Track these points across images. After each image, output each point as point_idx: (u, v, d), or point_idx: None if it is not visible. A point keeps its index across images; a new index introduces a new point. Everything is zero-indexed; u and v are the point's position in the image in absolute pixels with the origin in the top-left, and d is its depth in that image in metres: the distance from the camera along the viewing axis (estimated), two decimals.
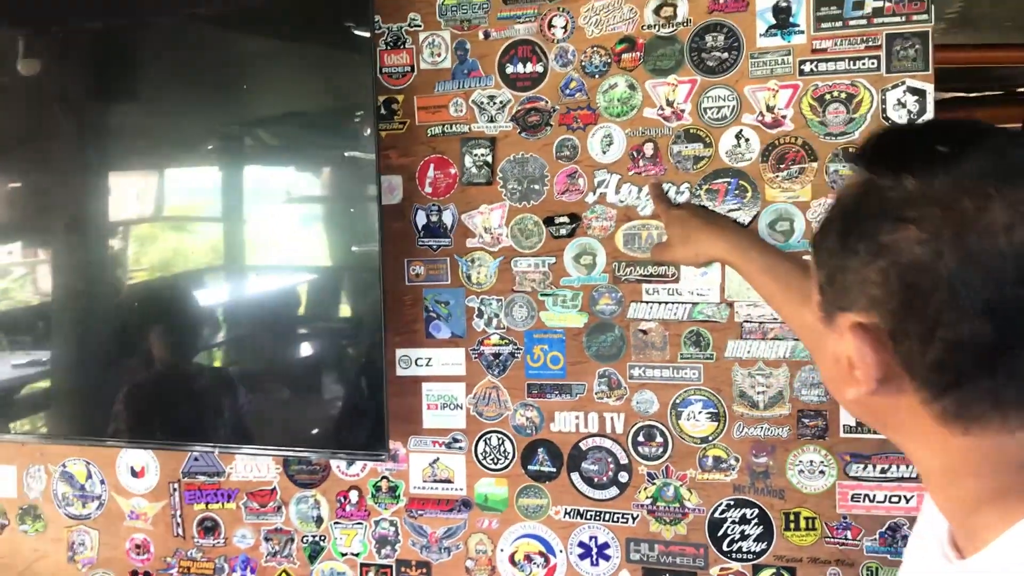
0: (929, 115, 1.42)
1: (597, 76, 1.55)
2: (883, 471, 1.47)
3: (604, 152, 1.55)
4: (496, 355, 1.63)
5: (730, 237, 1.32)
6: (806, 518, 1.51)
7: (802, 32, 1.45)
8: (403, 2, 1.63)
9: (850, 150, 1.44)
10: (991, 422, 0.66)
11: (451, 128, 1.63)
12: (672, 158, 1.52)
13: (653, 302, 1.55)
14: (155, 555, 1.85)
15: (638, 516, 1.59)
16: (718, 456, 1.54)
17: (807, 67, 1.45)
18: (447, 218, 1.64)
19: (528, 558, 1.65)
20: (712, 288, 1.52)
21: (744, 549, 1.54)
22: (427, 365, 1.67)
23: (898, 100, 1.42)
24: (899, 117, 1.42)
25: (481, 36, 1.60)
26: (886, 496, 1.47)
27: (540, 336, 1.61)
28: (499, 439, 1.64)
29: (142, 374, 1.75)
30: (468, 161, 1.62)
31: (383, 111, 1.63)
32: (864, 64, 1.43)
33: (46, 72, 1.78)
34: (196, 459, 1.80)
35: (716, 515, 1.55)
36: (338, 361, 1.65)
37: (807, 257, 1.45)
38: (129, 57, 1.74)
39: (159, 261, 1.74)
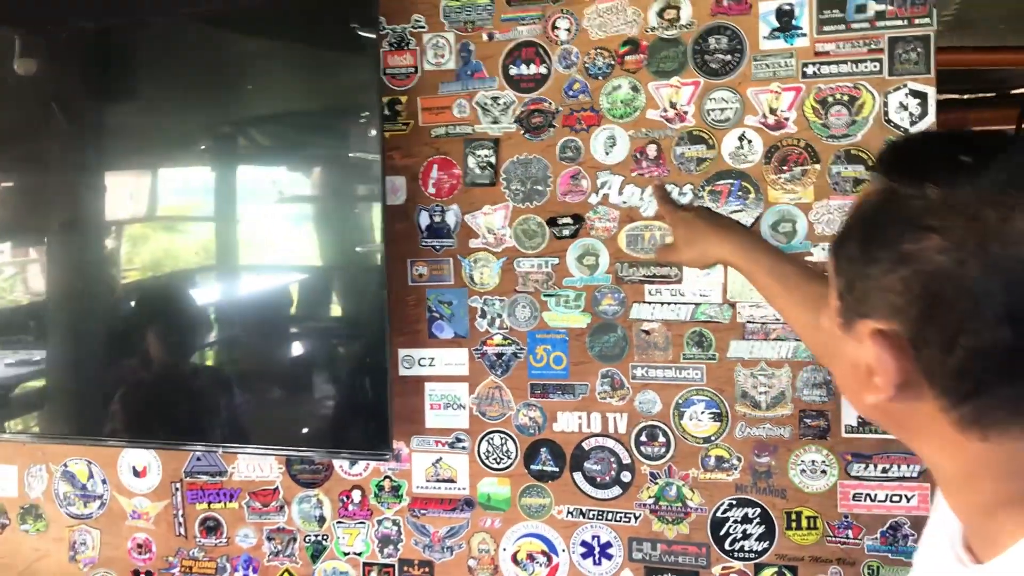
0: (931, 117, 1.43)
1: (600, 78, 1.56)
2: (884, 471, 1.48)
3: (607, 153, 1.56)
4: (499, 355, 1.64)
5: (736, 240, 1.32)
6: (808, 517, 1.52)
7: (805, 35, 1.46)
8: (407, 4, 1.63)
9: (853, 153, 1.45)
10: (1010, 429, 0.67)
11: (455, 129, 1.63)
12: (675, 160, 1.53)
13: (656, 303, 1.56)
14: (157, 555, 1.85)
15: (640, 515, 1.59)
16: (720, 456, 1.55)
17: (810, 70, 1.46)
18: (450, 219, 1.64)
19: (531, 557, 1.66)
20: (715, 289, 1.53)
21: (746, 548, 1.55)
22: (430, 365, 1.67)
23: (900, 103, 1.43)
24: (901, 120, 1.43)
25: (485, 38, 1.61)
26: (887, 495, 1.48)
27: (543, 336, 1.62)
28: (502, 439, 1.65)
29: (146, 374, 1.75)
30: (471, 162, 1.63)
31: (387, 112, 1.63)
32: (866, 67, 1.44)
33: (51, 72, 1.78)
34: (198, 459, 1.80)
35: (718, 514, 1.56)
36: (342, 361, 1.65)
37: (809, 258, 1.47)
38: (132, 57, 1.74)
39: (167, 261, 1.74)
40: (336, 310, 1.68)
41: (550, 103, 1.58)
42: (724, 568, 1.56)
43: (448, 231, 1.65)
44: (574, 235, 1.59)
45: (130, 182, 1.79)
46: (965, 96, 4.54)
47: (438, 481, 1.69)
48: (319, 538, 1.76)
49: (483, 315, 1.64)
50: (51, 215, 1.80)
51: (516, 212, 1.61)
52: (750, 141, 1.50)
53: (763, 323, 1.51)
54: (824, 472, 1.50)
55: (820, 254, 1.47)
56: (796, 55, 1.47)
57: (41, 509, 1.92)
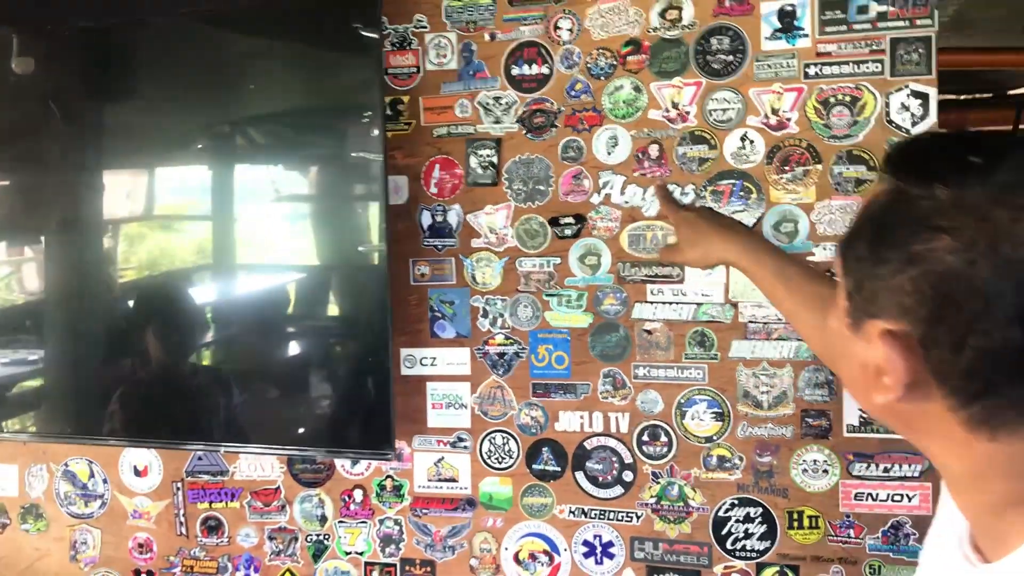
0: (932, 118, 1.43)
1: (603, 78, 1.56)
2: (886, 470, 1.48)
3: (609, 153, 1.57)
4: (501, 355, 1.64)
5: (741, 241, 1.32)
6: (809, 517, 1.52)
7: (807, 36, 1.47)
8: (409, 4, 1.63)
9: (855, 154, 1.45)
10: (1019, 429, 0.67)
11: (457, 129, 1.63)
12: (677, 160, 1.53)
13: (658, 302, 1.56)
14: (158, 554, 1.85)
15: (642, 515, 1.60)
16: (722, 455, 1.55)
17: (812, 70, 1.47)
18: (452, 218, 1.65)
19: (532, 557, 1.66)
20: (717, 289, 1.53)
21: (748, 548, 1.55)
22: (432, 364, 1.67)
23: (902, 103, 1.44)
24: (902, 120, 1.44)
25: (487, 38, 1.61)
26: (889, 495, 1.48)
27: (545, 336, 1.62)
28: (504, 438, 1.65)
29: (148, 373, 1.75)
30: (473, 162, 1.63)
31: (388, 112, 1.63)
32: (868, 68, 1.45)
33: (49, 71, 1.78)
34: (200, 458, 1.80)
35: (720, 514, 1.56)
36: (344, 360, 1.65)
37: (811, 259, 1.47)
38: (133, 57, 1.74)
39: (168, 260, 1.75)
40: (338, 310, 1.68)
41: (552, 103, 1.59)
42: (726, 567, 1.56)
43: (450, 231, 1.65)
44: (576, 235, 1.59)
45: (131, 181, 1.79)
46: (962, 97, 4.56)
47: (440, 481, 1.69)
48: (321, 538, 1.76)
49: (485, 315, 1.64)
50: (52, 214, 1.80)
51: (518, 212, 1.61)
52: (752, 141, 1.50)
53: (765, 323, 1.51)
54: (826, 472, 1.51)
55: (822, 254, 1.47)
56: (798, 56, 1.47)
57: (42, 508, 1.91)
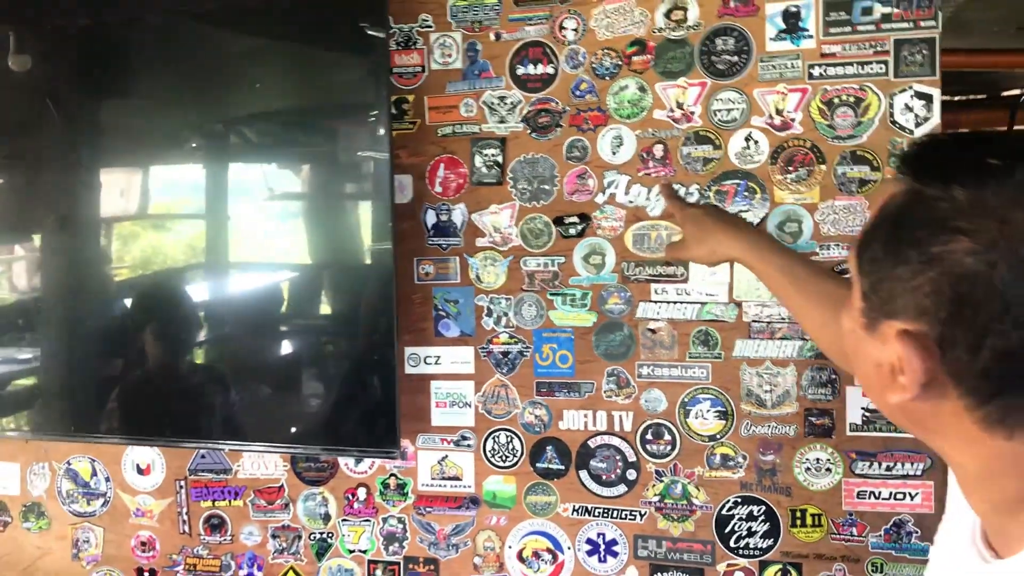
0: (935, 119, 1.44)
1: (607, 78, 1.57)
2: (888, 468, 1.49)
3: (614, 153, 1.57)
4: (505, 353, 1.65)
5: (747, 238, 1.33)
6: (812, 515, 1.53)
7: (811, 37, 1.48)
8: (414, 3, 1.64)
9: (859, 154, 1.46)
10: None
11: (461, 128, 1.64)
12: (682, 159, 1.54)
13: (662, 301, 1.57)
14: (161, 552, 1.85)
15: (646, 513, 1.60)
16: (726, 454, 1.56)
17: (816, 71, 1.48)
18: (457, 217, 1.65)
19: (536, 555, 1.66)
20: (721, 288, 1.54)
21: (751, 546, 1.56)
22: (436, 363, 1.68)
23: (905, 104, 1.45)
24: (906, 121, 1.45)
25: (492, 37, 1.61)
26: (891, 493, 1.50)
27: (549, 335, 1.63)
28: (508, 437, 1.66)
29: (152, 371, 1.75)
30: (478, 161, 1.63)
31: (393, 111, 1.63)
32: (872, 68, 1.46)
33: (50, 68, 1.77)
34: (203, 456, 1.80)
35: (723, 512, 1.57)
36: (350, 359, 1.65)
37: (814, 258, 1.48)
38: (135, 55, 1.74)
39: (170, 259, 1.75)
40: (344, 308, 1.68)
41: (557, 103, 1.59)
42: (729, 565, 1.57)
43: (455, 230, 1.65)
44: (580, 234, 1.60)
45: (133, 180, 1.79)
46: (956, 98, 4.58)
47: (444, 479, 1.70)
48: (324, 536, 1.76)
49: (489, 313, 1.65)
50: (61, 210, 1.80)
51: (523, 211, 1.62)
52: (756, 141, 1.51)
53: (768, 322, 1.52)
54: (829, 470, 1.52)
55: (825, 254, 1.48)
56: (802, 56, 1.48)
57: (43, 507, 1.91)
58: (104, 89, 1.77)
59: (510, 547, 1.68)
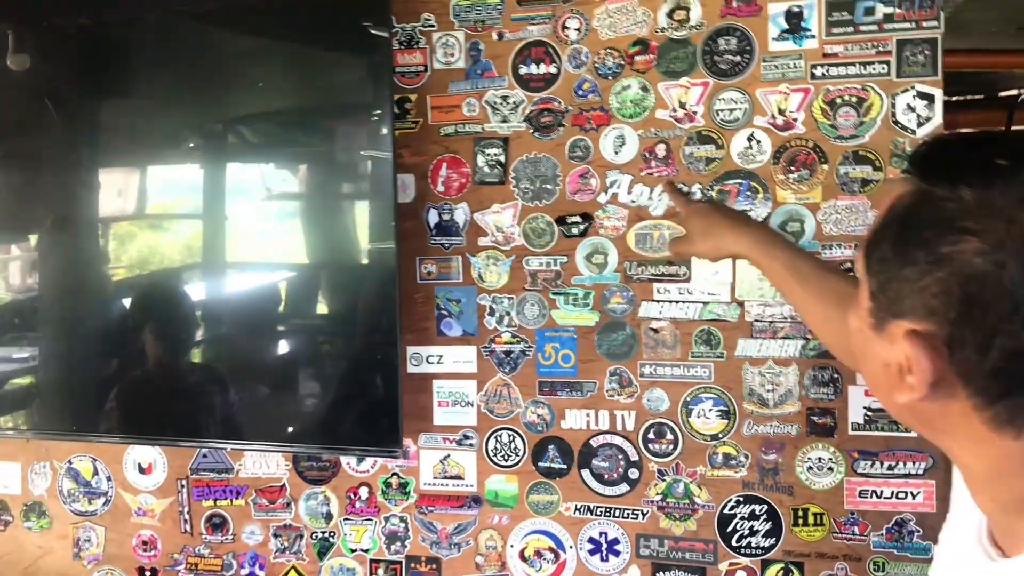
0: (938, 119, 1.44)
1: (610, 78, 1.57)
2: (890, 468, 1.50)
3: (616, 153, 1.57)
4: (507, 353, 1.65)
5: (752, 234, 1.34)
6: (814, 514, 1.53)
7: (814, 37, 1.48)
8: (417, 2, 1.64)
9: (861, 154, 1.47)
10: None
11: (464, 128, 1.64)
12: (684, 159, 1.54)
13: (664, 301, 1.57)
14: (162, 551, 1.85)
15: (648, 512, 1.61)
16: (728, 453, 1.56)
17: (818, 71, 1.48)
18: (459, 217, 1.65)
19: (538, 554, 1.67)
20: (723, 288, 1.54)
21: (753, 545, 1.56)
22: (438, 362, 1.68)
23: (907, 104, 1.45)
24: (908, 121, 1.45)
25: (495, 37, 1.61)
26: (893, 492, 1.50)
27: (551, 334, 1.63)
28: (510, 436, 1.66)
29: (154, 370, 1.75)
30: (481, 160, 1.63)
31: (396, 110, 1.63)
32: (874, 69, 1.46)
33: (48, 67, 1.77)
34: (204, 456, 1.80)
35: (725, 511, 1.57)
36: (352, 358, 1.65)
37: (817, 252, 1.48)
38: (137, 55, 1.74)
39: (173, 258, 1.75)
40: (347, 307, 1.68)
41: (560, 102, 1.59)
42: (731, 564, 1.57)
43: (457, 229, 1.65)
44: (583, 234, 1.60)
45: (134, 179, 1.79)
46: (954, 98, 4.59)
47: (446, 478, 1.70)
48: (326, 535, 1.76)
49: (492, 313, 1.65)
50: (61, 209, 1.79)
51: (525, 211, 1.62)
52: (759, 141, 1.51)
53: (771, 322, 1.53)
54: (831, 469, 1.52)
55: (827, 254, 1.48)
56: (805, 56, 1.48)
57: (44, 506, 1.91)
58: (104, 89, 1.77)
59: (512, 546, 1.68)
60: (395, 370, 1.53)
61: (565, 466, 1.64)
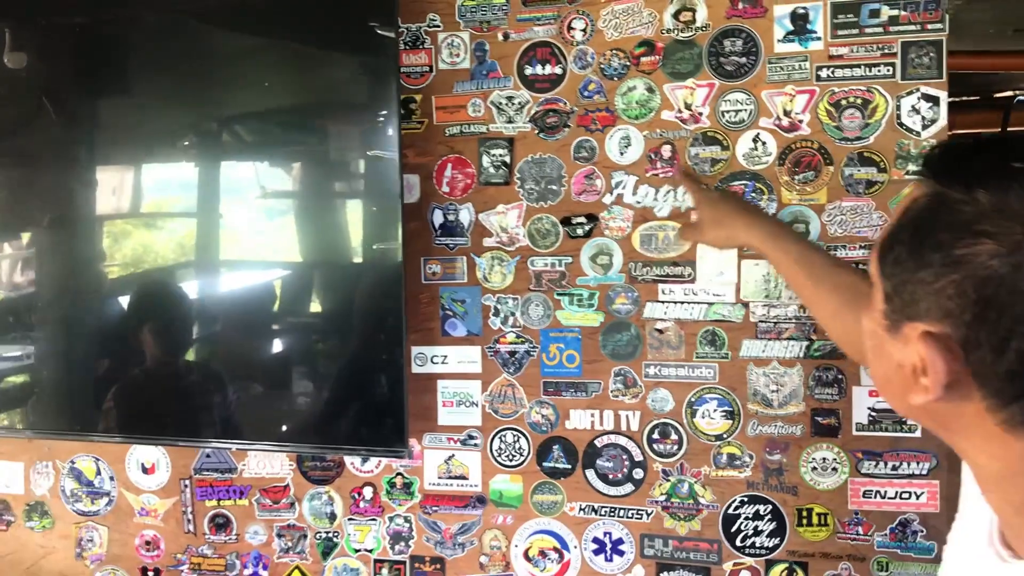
0: (942, 121, 1.45)
1: (616, 79, 1.57)
2: (894, 468, 1.50)
3: (622, 154, 1.58)
4: (512, 353, 1.65)
5: (765, 225, 1.34)
6: (818, 514, 1.54)
7: (819, 39, 1.48)
8: (422, 3, 1.64)
9: (866, 155, 1.47)
10: None
11: (469, 128, 1.64)
12: (690, 160, 1.55)
13: (669, 302, 1.58)
14: (165, 551, 1.85)
15: (652, 512, 1.61)
16: (732, 453, 1.57)
17: (824, 73, 1.49)
18: (464, 217, 1.65)
19: (543, 554, 1.67)
20: (728, 288, 1.55)
21: (757, 544, 1.57)
22: (443, 363, 1.68)
23: (912, 106, 1.46)
24: (913, 123, 1.46)
25: (500, 37, 1.62)
26: (897, 492, 1.51)
27: (556, 335, 1.63)
28: (514, 436, 1.66)
29: (158, 370, 1.75)
30: (486, 161, 1.64)
31: (401, 111, 1.63)
32: (879, 71, 1.47)
33: (46, 65, 1.77)
34: (208, 456, 1.80)
35: (730, 511, 1.58)
36: (358, 358, 1.65)
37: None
38: (141, 54, 1.73)
39: (179, 257, 1.74)
40: (353, 307, 1.68)
41: (565, 103, 1.59)
42: (735, 564, 1.58)
43: (462, 230, 1.65)
44: (588, 234, 1.60)
45: (140, 178, 1.79)
46: (949, 100, 4.60)
47: (450, 478, 1.70)
48: (330, 535, 1.76)
49: (496, 313, 1.65)
50: (72, 206, 1.79)
51: (530, 211, 1.62)
52: (764, 143, 1.52)
53: (775, 322, 1.53)
54: (835, 469, 1.53)
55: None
56: (810, 58, 1.49)
57: (47, 506, 1.91)
58: (104, 87, 1.77)
59: (516, 546, 1.68)
60: (400, 370, 1.53)
61: (569, 466, 1.64)
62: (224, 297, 1.74)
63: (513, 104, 1.62)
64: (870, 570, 1.52)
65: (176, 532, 1.84)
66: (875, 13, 1.46)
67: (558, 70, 1.60)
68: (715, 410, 1.57)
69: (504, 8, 1.61)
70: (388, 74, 1.52)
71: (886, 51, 1.46)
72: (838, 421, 1.52)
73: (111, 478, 1.86)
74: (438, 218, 1.66)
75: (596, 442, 1.63)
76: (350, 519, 1.75)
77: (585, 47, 1.58)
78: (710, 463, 1.58)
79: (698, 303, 1.56)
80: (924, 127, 1.46)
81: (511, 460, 1.67)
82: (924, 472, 1.50)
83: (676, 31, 1.54)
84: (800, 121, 1.50)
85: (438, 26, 1.64)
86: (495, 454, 1.67)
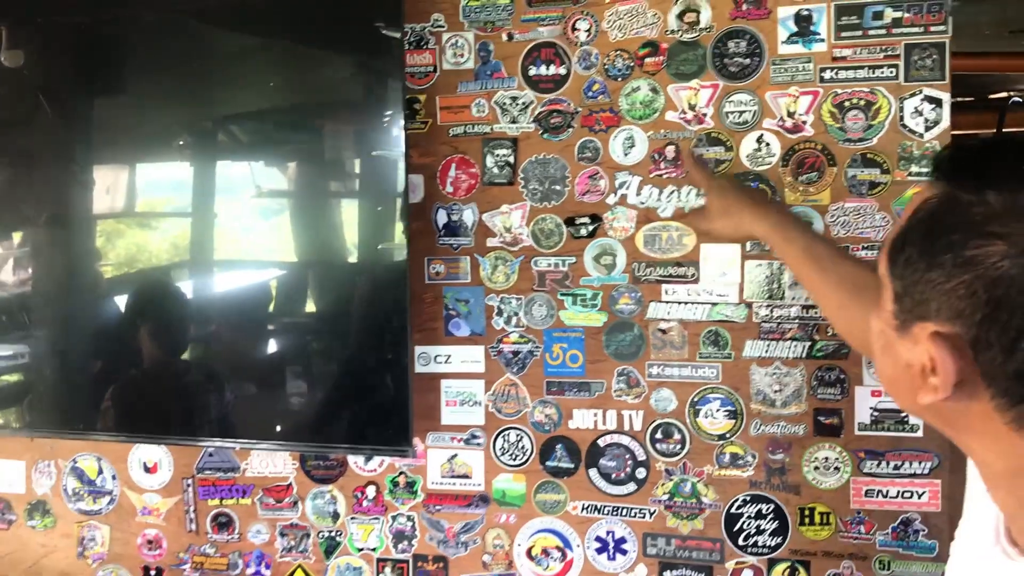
0: (945, 123, 1.46)
1: (620, 79, 1.58)
2: (896, 467, 1.51)
3: (626, 154, 1.58)
4: (515, 353, 1.65)
5: (773, 217, 1.34)
6: (821, 513, 1.55)
7: (823, 40, 1.49)
8: (427, 3, 1.64)
9: (869, 157, 1.48)
10: None
11: (473, 128, 1.64)
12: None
13: (672, 302, 1.58)
14: (168, 550, 1.85)
15: (655, 511, 1.62)
16: (735, 453, 1.57)
17: (827, 74, 1.49)
18: (467, 217, 1.66)
19: (545, 552, 1.67)
20: (731, 289, 1.55)
21: (760, 543, 1.57)
22: (446, 362, 1.68)
23: (915, 108, 1.47)
24: (916, 125, 1.46)
25: (504, 38, 1.62)
26: (899, 491, 1.51)
27: (559, 335, 1.64)
28: (517, 435, 1.67)
29: (161, 369, 1.75)
30: (490, 161, 1.64)
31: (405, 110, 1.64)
32: (883, 72, 1.47)
33: (44, 63, 1.77)
34: (211, 455, 1.80)
35: (732, 510, 1.58)
36: (362, 357, 1.65)
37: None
38: (142, 53, 1.74)
39: (186, 256, 1.75)
40: (357, 307, 1.68)
41: (569, 103, 1.60)
42: (738, 563, 1.59)
43: (465, 230, 1.66)
44: (591, 235, 1.61)
45: (134, 175, 1.80)
46: None
47: (453, 477, 1.70)
48: (333, 534, 1.77)
49: (500, 313, 1.65)
50: (71, 205, 1.79)
51: (534, 211, 1.63)
52: (768, 144, 1.52)
53: (778, 323, 1.54)
54: (837, 469, 1.53)
55: None
56: (814, 60, 1.50)
57: (49, 505, 1.91)
58: (105, 87, 1.77)
59: (519, 545, 1.69)
60: (405, 369, 1.54)
61: (572, 465, 1.65)
62: (228, 297, 1.74)
63: (517, 104, 1.62)
64: (872, 569, 1.53)
65: (178, 531, 1.84)
66: (879, 15, 1.47)
67: (562, 71, 1.60)
68: (718, 410, 1.57)
69: (508, 9, 1.61)
70: (393, 74, 1.52)
71: (889, 53, 1.47)
72: (840, 421, 1.53)
73: (113, 477, 1.86)
74: (442, 218, 1.66)
75: (599, 441, 1.63)
76: (353, 518, 1.75)
77: (589, 48, 1.59)
78: (713, 462, 1.59)
79: (701, 303, 1.57)
80: (927, 128, 1.47)
81: (514, 459, 1.67)
82: (926, 472, 1.50)
83: (680, 32, 1.55)
84: (804, 122, 1.51)
85: (442, 26, 1.64)
86: (498, 453, 1.68)
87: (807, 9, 1.49)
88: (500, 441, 1.67)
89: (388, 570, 1.75)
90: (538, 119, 1.61)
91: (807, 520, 1.55)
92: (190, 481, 1.82)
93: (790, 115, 1.51)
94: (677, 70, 1.55)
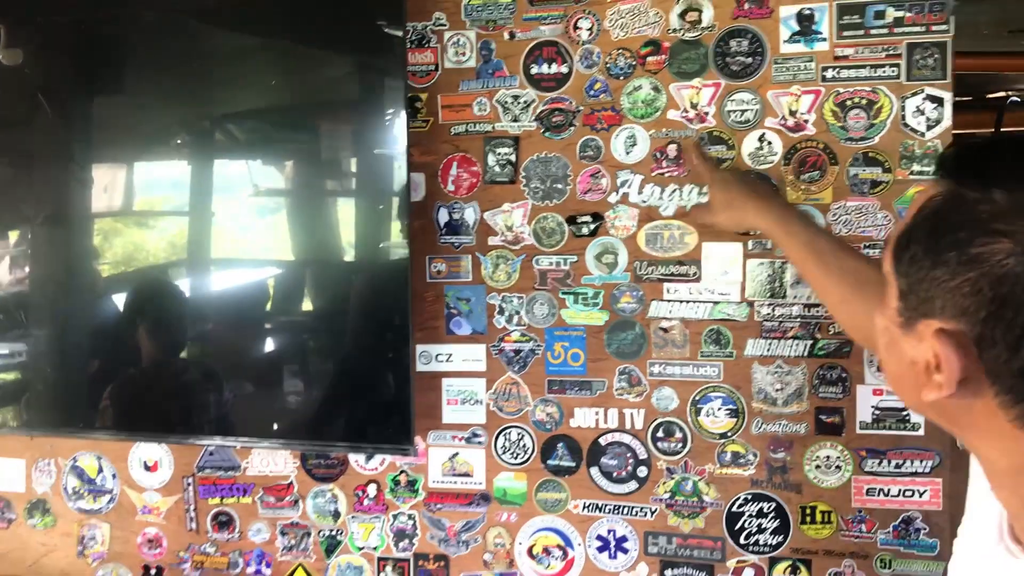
0: (947, 122, 1.46)
1: (622, 78, 1.58)
2: (897, 466, 1.51)
3: (627, 153, 1.58)
4: (517, 351, 1.65)
5: (776, 210, 1.35)
6: (822, 512, 1.55)
7: (825, 39, 1.49)
8: (428, 1, 1.64)
9: (871, 156, 1.48)
10: None
11: (474, 127, 1.64)
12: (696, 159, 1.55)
13: (674, 300, 1.58)
14: (168, 549, 1.85)
15: (656, 510, 1.62)
16: (736, 451, 1.57)
17: (829, 73, 1.49)
18: (469, 216, 1.65)
19: (547, 551, 1.67)
20: (733, 287, 1.55)
21: (761, 542, 1.57)
22: (448, 361, 1.68)
23: (917, 107, 1.47)
24: (918, 124, 1.47)
25: (506, 36, 1.62)
26: (900, 490, 1.52)
27: (561, 333, 1.64)
28: (519, 434, 1.67)
29: (162, 368, 1.75)
30: (491, 160, 1.64)
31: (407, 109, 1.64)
32: (885, 72, 1.47)
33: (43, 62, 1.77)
34: (211, 453, 1.80)
35: (734, 509, 1.58)
36: (364, 356, 1.65)
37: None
38: (143, 53, 1.73)
39: (190, 255, 1.75)
40: (359, 306, 1.68)
41: (571, 102, 1.60)
42: (739, 562, 1.59)
43: (467, 228, 1.66)
44: (593, 233, 1.61)
45: (132, 174, 1.80)
46: None
47: (454, 476, 1.70)
48: (334, 533, 1.76)
49: (501, 312, 1.65)
50: (77, 202, 1.79)
51: (535, 210, 1.63)
52: (770, 142, 1.52)
53: (780, 321, 1.54)
54: (838, 467, 1.54)
55: None
56: (816, 59, 1.50)
57: (49, 504, 1.90)
58: (105, 86, 1.77)
59: (520, 544, 1.69)
60: (407, 368, 1.54)
61: (574, 464, 1.65)
62: (229, 296, 1.74)
63: (519, 103, 1.62)
64: (873, 568, 1.54)
65: (179, 530, 1.84)
66: (880, 15, 1.47)
67: (564, 69, 1.60)
68: (719, 408, 1.58)
69: (510, 7, 1.61)
70: (395, 73, 1.52)
71: (891, 52, 1.47)
72: (842, 419, 1.53)
73: (113, 476, 1.86)
74: (443, 216, 1.66)
75: (600, 440, 1.63)
76: (354, 517, 1.75)
77: (591, 46, 1.59)
78: (714, 461, 1.59)
79: (703, 302, 1.57)
80: (928, 128, 1.47)
81: (515, 458, 1.67)
82: (927, 470, 1.51)
83: (682, 31, 1.55)
84: (805, 121, 1.51)
85: (444, 25, 1.64)
86: (499, 452, 1.68)
87: (809, 8, 1.49)
88: (501, 440, 1.67)
89: (389, 569, 1.75)
90: (540, 118, 1.61)
91: (808, 519, 1.55)
92: (190, 480, 1.81)
93: (792, 114, 1.51)
94: (679, 69, 1.55)
